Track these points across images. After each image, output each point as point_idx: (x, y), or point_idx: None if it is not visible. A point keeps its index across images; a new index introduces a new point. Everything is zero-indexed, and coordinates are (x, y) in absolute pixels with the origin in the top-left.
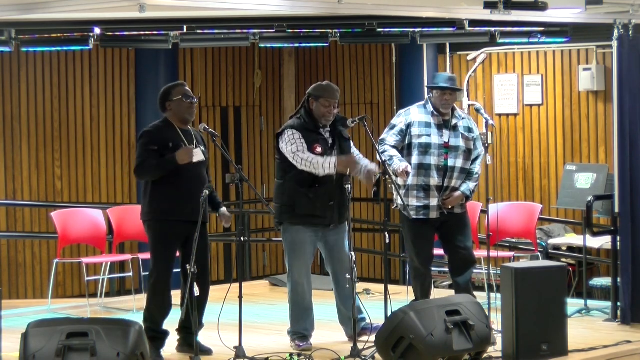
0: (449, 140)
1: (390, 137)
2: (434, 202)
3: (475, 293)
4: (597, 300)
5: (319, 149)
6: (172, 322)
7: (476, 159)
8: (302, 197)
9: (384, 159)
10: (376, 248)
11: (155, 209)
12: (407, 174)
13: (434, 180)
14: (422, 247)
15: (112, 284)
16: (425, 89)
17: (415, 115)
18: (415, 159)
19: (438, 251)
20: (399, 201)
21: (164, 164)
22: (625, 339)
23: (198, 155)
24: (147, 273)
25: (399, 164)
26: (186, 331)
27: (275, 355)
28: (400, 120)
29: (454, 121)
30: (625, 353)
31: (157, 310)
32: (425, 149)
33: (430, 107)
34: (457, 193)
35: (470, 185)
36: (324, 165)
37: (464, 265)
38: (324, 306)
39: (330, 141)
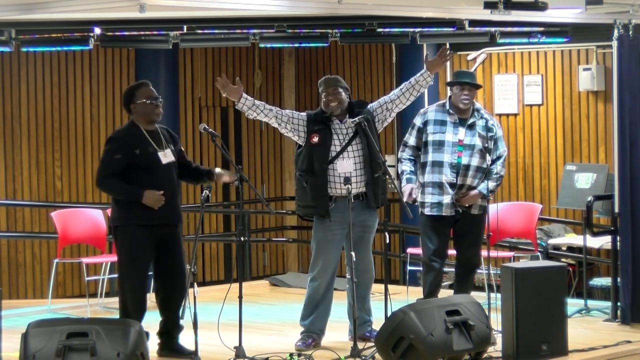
0: (463, 139)
1: (411, 137)
2: (447, 199)
3: (476, 293)
4: (597, 300)
5: (315, 139)
6: (154, 326)
7: (497, 158)
8: (300, 187)
9: (399, 169)
10: (376, 248)
11: (127, 215)
12: (413, 199)
13: (447, 177)
14: (433, 241)
15: (112, 284)
16: (447, 89)
17: (431, 114)
18: (430, 156)
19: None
20: (418, 199)
21: (128, 194)
22: (625, 339)
23: (167, 157)
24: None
25: (404, 185)
26: (167, 335)
27: (275, 355)
28: (417, 119)
29: (471, 120)
30: (625, 353)
31: (135, 315)
32: (439, 146)
33: (447, 106)
34: (474, 192)
35: (490, 184)
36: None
37: (466, 267)
38: None
39: (350, 132)
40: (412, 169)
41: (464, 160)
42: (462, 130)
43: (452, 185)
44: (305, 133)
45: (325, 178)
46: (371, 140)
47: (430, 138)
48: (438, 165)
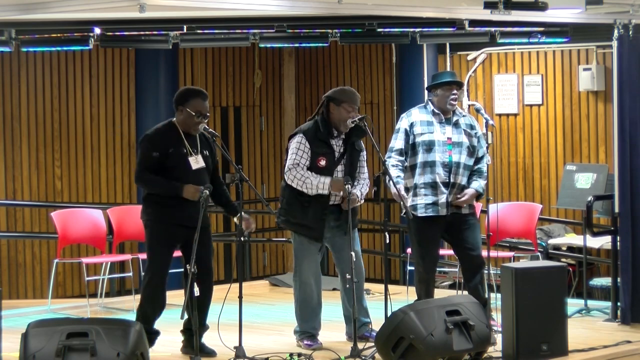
0: (452, 136)
1: (397, 141)
2: (442, 198)
3: None
4: (597, 300)
5: (322, 162)
6: (178, 324)
7: (482, 157)
8: (297, 204)
9: (391, 176)
10: (376, 248)
11: (152, 212)
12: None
13: (440, 176)
14: (428, 249)
15: (112, 284)
16: (426, 91)
17: (416, 116)
18: (420, 157)
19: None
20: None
21: (167, 188)
22: (625, 339)
23: (198, 163)
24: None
25: (401, 191)
26: (190, 333)
27: (275, 355)
28: (403, 122)
29: (455, 118)
30: (625, 353)
31: (150, 310)
32: (428, 146)
33: (430, 107)
34: (470, 191)
35: (482, 183)
36: (317, 186)
37: (473, 268)
38: (324, 306)
39: (341, 150)
40: (402, 174)
41: (455, 158)
42: (449, 129)
43: (446, 185)
44: (309, 155)
45: (328, 203)
46: (355, 159)
47: (419, 139)
48: (430, 165)
